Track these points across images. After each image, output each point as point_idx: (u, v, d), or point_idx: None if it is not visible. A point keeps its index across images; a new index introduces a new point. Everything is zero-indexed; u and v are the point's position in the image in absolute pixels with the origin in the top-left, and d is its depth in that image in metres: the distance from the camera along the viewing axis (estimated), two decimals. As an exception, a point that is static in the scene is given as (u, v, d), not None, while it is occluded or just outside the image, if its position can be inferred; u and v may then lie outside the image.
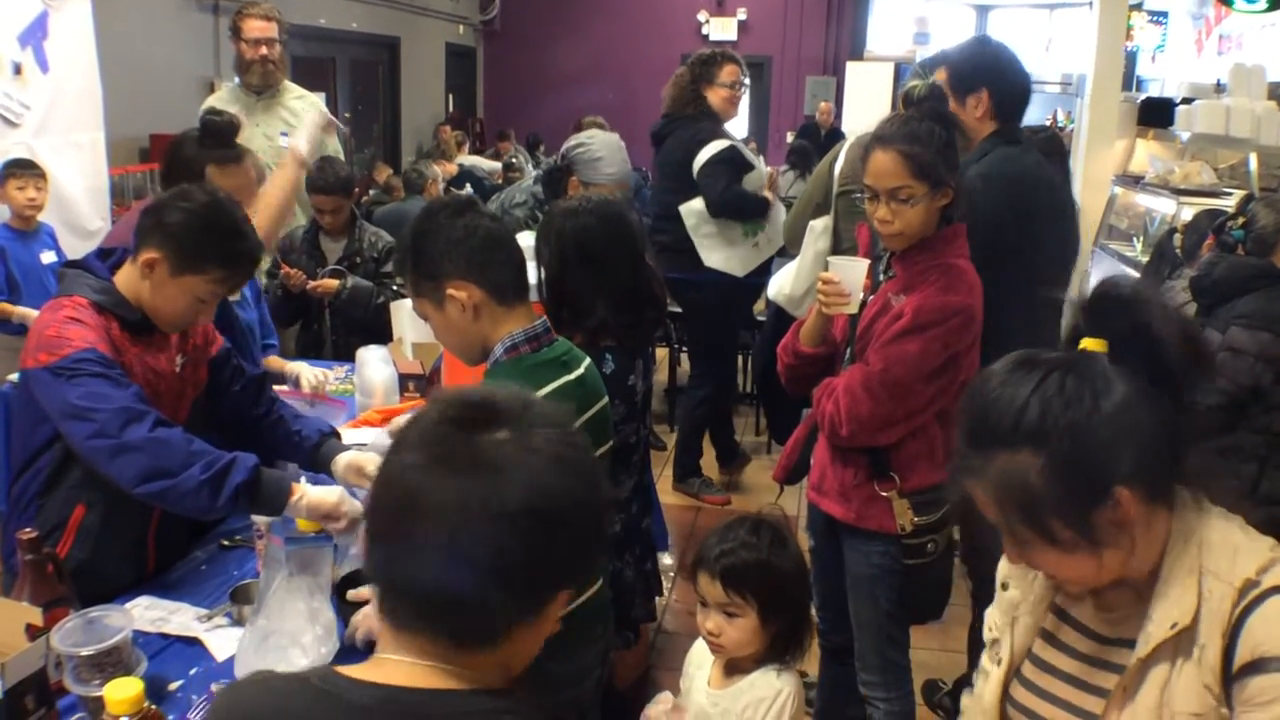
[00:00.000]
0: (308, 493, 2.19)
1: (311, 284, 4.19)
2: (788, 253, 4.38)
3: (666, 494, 5.02)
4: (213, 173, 2.63)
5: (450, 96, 12.71)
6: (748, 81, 4.94)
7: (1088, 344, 1.38)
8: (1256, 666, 1.28)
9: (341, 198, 4.39)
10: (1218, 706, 1.31)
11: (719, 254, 4.82)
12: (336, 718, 1.05)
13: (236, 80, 4.71)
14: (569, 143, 3.79)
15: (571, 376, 2.07)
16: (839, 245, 3.88)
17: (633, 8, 12.92)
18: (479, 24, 13.37)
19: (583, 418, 2.08)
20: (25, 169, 4.68)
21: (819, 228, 3.93)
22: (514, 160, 11.02)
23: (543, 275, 2.60)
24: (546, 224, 2.66)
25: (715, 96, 4.71)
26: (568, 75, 12.97)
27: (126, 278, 2.25)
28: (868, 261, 2.47)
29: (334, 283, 4.23)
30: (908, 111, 2.55)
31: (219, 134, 2.65)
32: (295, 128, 4.58)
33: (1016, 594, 1.60)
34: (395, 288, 4.12)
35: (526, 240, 2.32)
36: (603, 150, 3.71)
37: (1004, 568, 1.63)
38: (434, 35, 12.05)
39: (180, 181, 2.53)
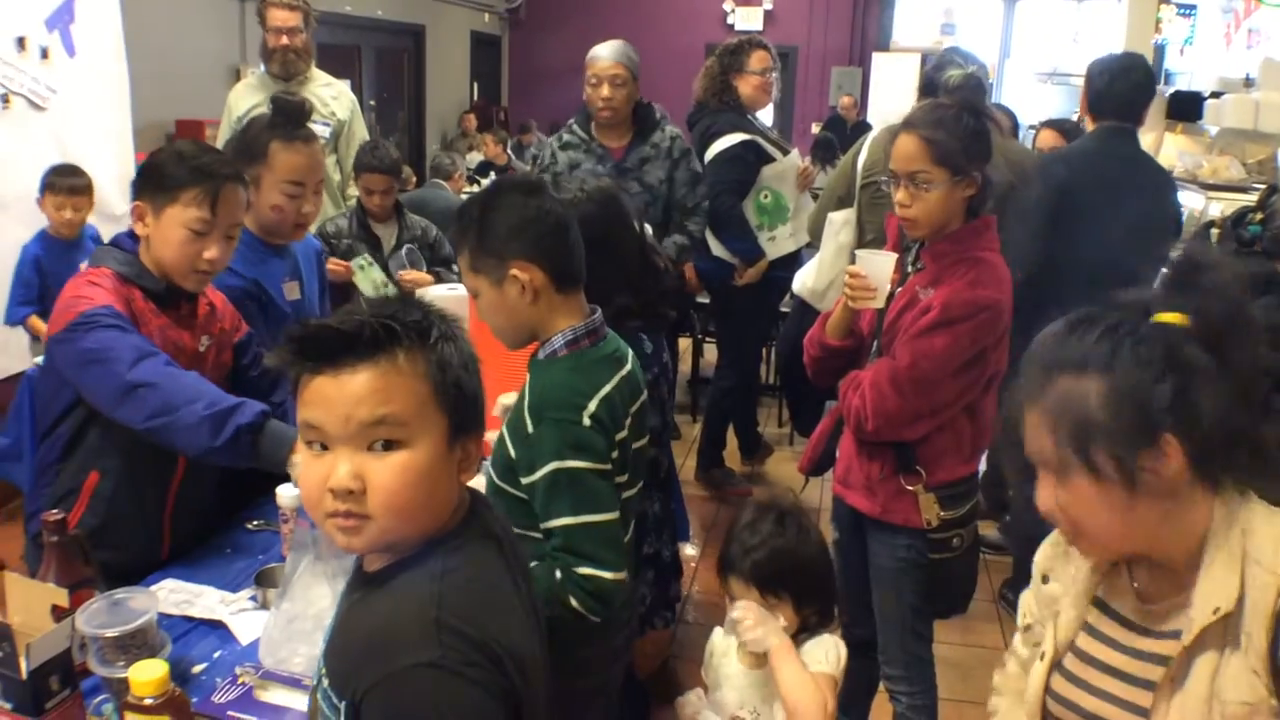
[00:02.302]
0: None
1: (407, 277, 4.15)
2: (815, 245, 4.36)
3: (688, 485, 5.01)
4: (277, 149, 2.62)
5: (475, 84, 12.71)
6: (779, 68, 4.89)
7: (1164, 317, 1.38)
8: None
9: (393, 178, 4.39)
10: (1269, 697, 1.31)
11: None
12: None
13: (263, 68, 4.72)
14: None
15: (624, 372, 2.06)
16: (863, 237, 3.86)
17: (658, -3, 12.92)
18: (504, 12, 13.36)
19: (632, 410, 2.08)
20: (67, 181, 4.49)
21: (839, 220, 3.91)
22: (538, 156, 11.02)
23: None
24: None
25: (746, 85, 4.66)
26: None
27: (145, 249, 2.29)
28: (895, 255, 2.45)
29: (428, 277, 4.20)
30: (940, 99, 2.54)
31: (289, 113, 2.64)
32: (324, 116, 4.60)
33: (1057, 588, 1.59)
34: (458, 276, 4.09)
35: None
36: None
37: (1044, 560, 1.64)
38: (459, 23, 12.05)
39: (243, 160, 2.56)
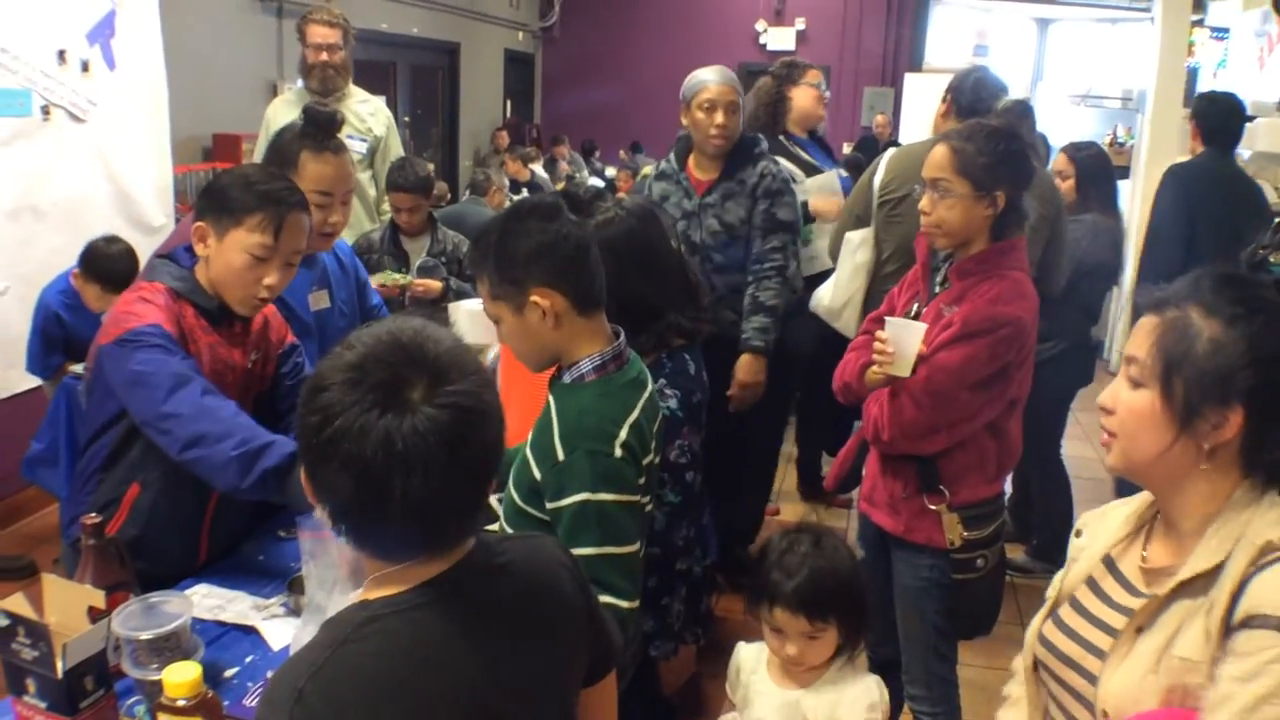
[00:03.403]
0: None
1: (418, 284, 4.21)
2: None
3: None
4: (306, 159, 2.63)
5: (508, 102, 12.79)
6: (828, 93, 4.90)
7: None
8: (1245, 623, 1.35)
9: (420, 196, 4.44)
10: (1210, 659, 1.38)
11: None
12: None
13: (301, 83, 4.78)
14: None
15: (647, 394, 2.07)
16: (880, 256, 3.87)
17: (691, 17, 12.92)
18: (538, 31, 13.44)
19: (654, 430, 2.09)
20: (108, 272, 4.08)
21: (856, 240, 3.91)
22: (574, 175, 11.08)
23: None
24: None
25: (803, 97, 4.65)
26: (625, 82, 13.00)
27: (203, 267, 2.31)
28: (924, 326, 2.45)
29: (438, 284, 4.25)
30: (984, 120, 2.59)
31: (320, 123, 2.66)
32: (360, 132, 4.65)
33: (1084, 540, 1.70)
34: None
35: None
36: None
37: (1086, 516, 1.74)
38: (493, 41, 12.12)
39: (277, 167, 2.59)
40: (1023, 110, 3.81)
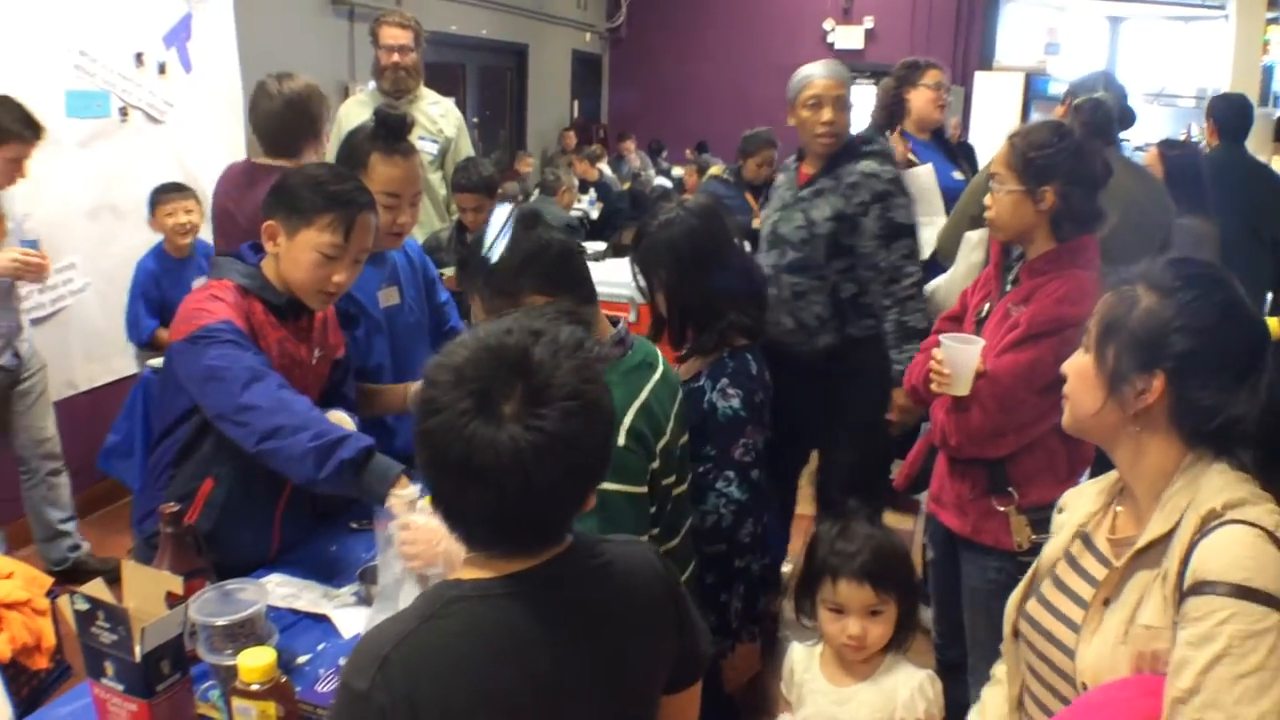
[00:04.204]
0: (413, 494, 2.07)
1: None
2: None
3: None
4: (376, 160, 2.66)
5: (575, 103, 12.83)
6: (950, 91, 4.82)
7: (1273, 323, 1.51)
8: (1194, 589, 1.40)
9: (484, 196, 4.48)
10: (1171, 623, 1.43)
11: None
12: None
13: (373, 84, 4.83)
14: None
15: (657, 376, 2.09)
16: (986, 259, 3.82)
17: (758, 16, 12.86)
18: (605, 32, 13.46)
19: (673, 411, 2.10)
20: (171, 193, 4.63)
21: (974, 239, 3.83)
22: (641, 173, 11.10)
23: (659, 294, 2.61)
24: (649, 242, 2.64)
25: (919, 99, 4.55)
26: (691, 82, 12.99)
27: (269, 263, 2.35)
28: (981, 344, 2.44)
29: None
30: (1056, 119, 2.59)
31: (391, 125, 2.69)
32: (431, 134, 4.70)
33: (1065, 516, 1.78)
34: None
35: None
36: None
37: (1067, 494, 1.83)
38: (561, 42, 12.16)
39: (348, 168, 2.62)
40: (1097, 109, 3.75)
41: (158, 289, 4.62)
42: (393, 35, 4.62)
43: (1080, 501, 1.76)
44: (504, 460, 1.21)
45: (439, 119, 4.83)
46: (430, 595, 1.33)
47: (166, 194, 4.58)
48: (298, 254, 2.29)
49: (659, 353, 2.16)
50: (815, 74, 3.55)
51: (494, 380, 1.25)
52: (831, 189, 3.52)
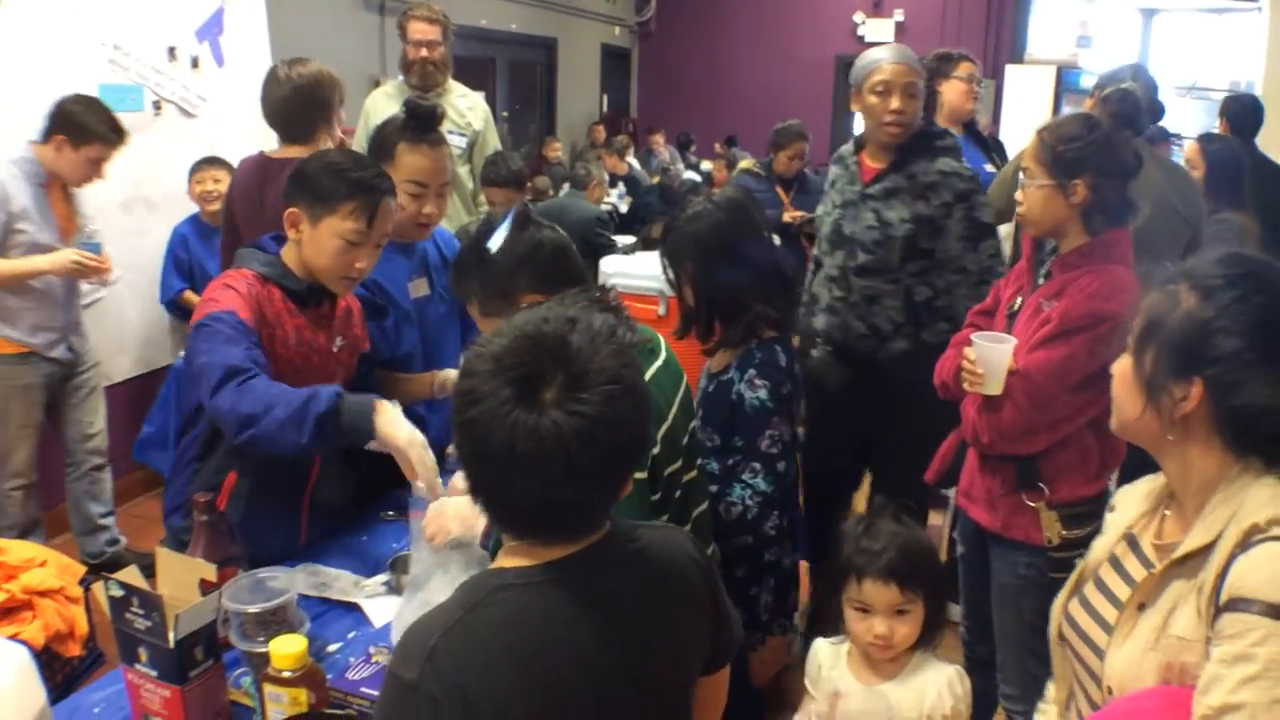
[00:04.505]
0: (393, 420, 2.13)
1: None
2: None
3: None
4: (403, 150, 2.67)
5: (604, 96, 12.83)
6: (983, 84, 4.78)
7: None
8: (1230, 605, 1.35)
9: (513, 190, 4.49)
10: (1203, 638, 1.39)
11: None
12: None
13: (401, 78, 4.85)
14: None
15: (659, 363, 2.09)
16: (1018, 252, 3.80)
17: (788, 9, 12.81)
18: (634, 25, 13.45)
19: (676, 399, 2.11)
20: (205, 164, 4.90)
21: (1000, 234, 3.82)
22: (670, 167, 11.09)
23: (687, 287, 2.61)
24: (677, 236, 2.64)
25: (951, 91, 4.55)
26: (722, 76, 12.97)
27: (290, 250, 2.37)
28: (1013, 343, 2.42)
29: None
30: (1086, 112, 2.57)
31: (420, 116, 2.70)
32: (459, 127, 4.71)
33: (1115, 517, 1.72)
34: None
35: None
36: None
37: (1120, 493, 1.76)
38: (591, 36, 12.17)
39: (375, 158, 2.64)
40: (1124, 100, 3.72)
41: (186, 251, 4.89)
42: (421, 30, 4.62)
43: (1131, 501, 1.70)
44: (548, 446, 1.22)
45: (466, 112, 4.83)
46: (473, 585, 1.34)
47: (201, 165, 4.93)
48: (321, 240, 2.30)
49: (662, 340, 2.17)
50: (884, 58, 3.30)
51: (534, 367, 1.25)
52: (906, 189, 3.32)
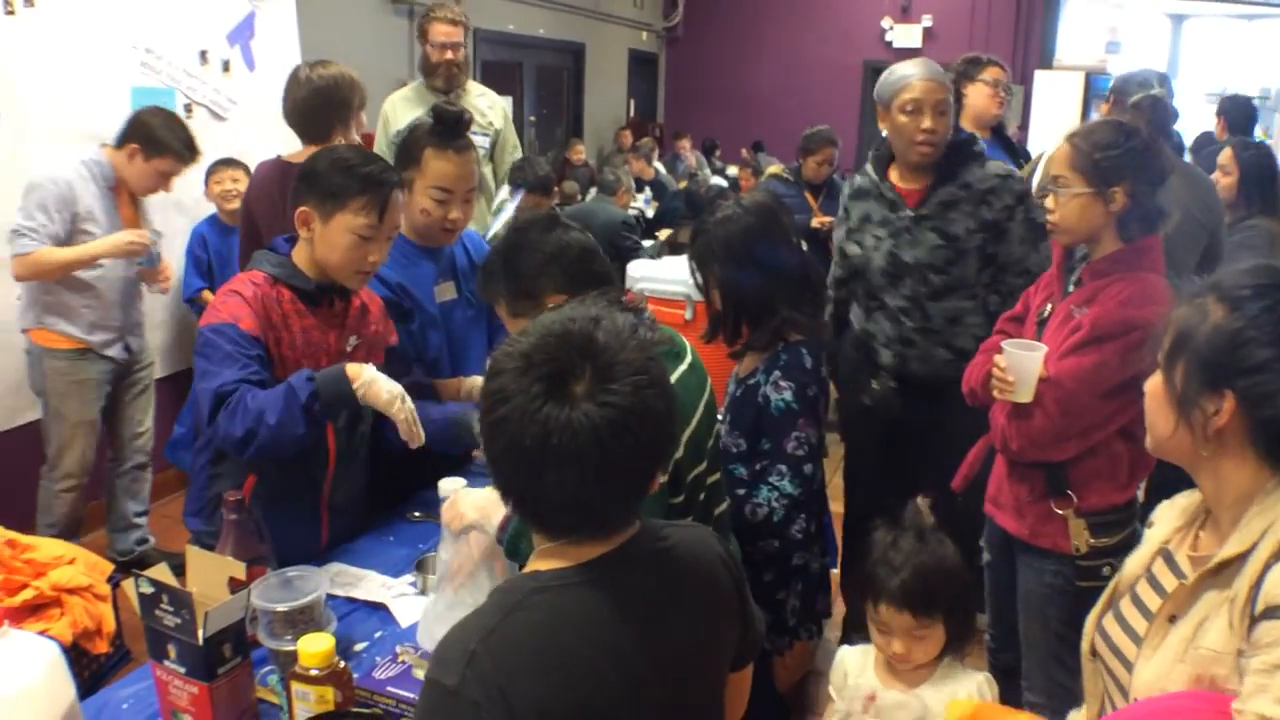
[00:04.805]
0: (373, 380, 2.24)
1: None
2: None
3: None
4: (430, 155, 2.69)
5: (631, 102, 12.85)
6: (1010, 88, 4.75)
7: None
8: (1267, 614, 1.34)
9: (540, 195, 4.50)
10: (1235, 650, 1.38)
11: None
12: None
13: (419, 80, 4.83)
14: None
15: (685, 366, 2.09)
16: None
17: (815, 14, 12.81)
18: (662, 30, 13.47)
19: (701, 402, 2.11)
20: (221, 165, 4.95)
21: None
22: (698, 173, 11.09)
23: (715, 291, 2.61)
24: (706, 240, 2.63)
25: (978, 95, 4.53)
26: (748, 81, 12.97)
27: (300, 250, 2.39)
28: (1044, 350, 2.41)
29: None
30: (1114, 117, 2.53)
31: (447, 122, 2.71)
32: (481, 127, 4.72)
33: (1153, 532, 1.70)
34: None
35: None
36: None
37: (1158, 509, 1.73)
38: (618, 41, 12.19)
39: (402, 162, 2.67)
40: (1156, 105, 3.71)
41: (205, 250, 4.94)
42: (445, 32, 4.60)
43: (1168, 517, 1.69)
44: (582, 440, 1.23)
45: (487, 111, 4.82)
46: (509, 588, 1.34)
47: (218, 166, 4.94)
48: (333, 237, 2.32)
49: (687, 343, 2.17)
50: (913, 75, 3.19)
51: (563, 363, 1.27)
52: (964, 198, 3.22)
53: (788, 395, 2.49)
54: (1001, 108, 4.63)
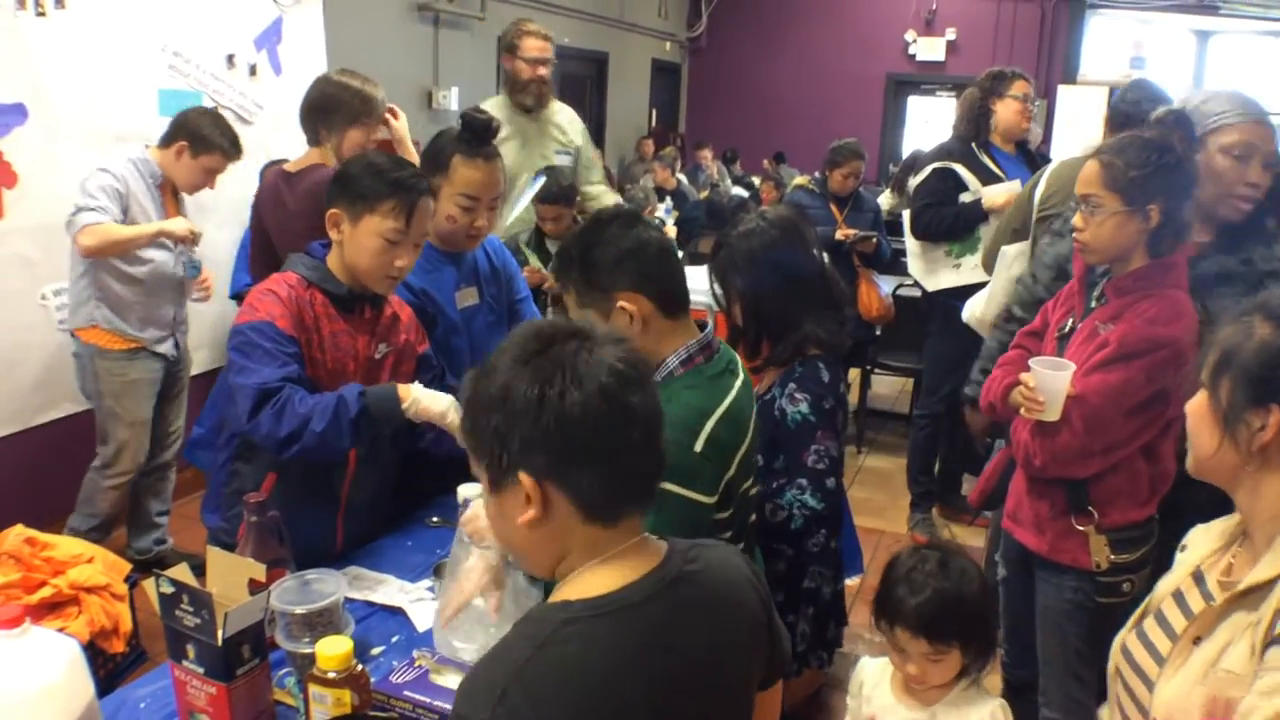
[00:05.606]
0: (419, 399, 2.32)
1: (526, 272, 4.30)
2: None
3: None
4: (457, 162, 2.69)
5: (653, 111, 12.86)
6: (1037, 102, 4.79)
7: None
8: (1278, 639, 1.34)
9: (563, 207, 4.52)
10: (1252, 673, 1.37)
11: (918, 270, 4.89)
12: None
13: (501, 95, 4.79)
14: None
15: (740, 382, 2.09)
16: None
17: (839, 26, 12.81)
18: (685, 41, 13.49)
19: (752, 419, 2.11)
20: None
21: (1012, 254, 3.81)
22: (719, 183, 11.10)
23: (736, 304, 2.61)
24: (728, 252, 2.64)
25: (1005, 110, 4.58)
26: (770, 92, 12.97)
27: (333, 255, 2.42)
28: (1072, 368, 2.38)
29: (536, 270, 4.38)
30: (1140, 131, 2.50)
31: (476, 129, 2.72)
32: (563, 145, 4.72)
33: (1185, 555, 1.70)
34: None
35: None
36: None
37: (1192, 533, 1.73)
38: (641, 51, 12.20)
39: (429, 168, 2.68)
40: (1176, 120, 3.68)
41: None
42: (538, 48, 4.56)
43: (1203, 540, 1.68)
44: (608, 376, 1.27)
45: (567, 127, 4.81)
46: (539, 619, 1.31)
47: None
48: (362, 240, 2.35)
49: (739, 359, 2.16)
50: (1244, 116, 2.60)
51: (552, 339, 1.31)
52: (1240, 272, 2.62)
53: (804, 407, 2.48)
54: (1029, 122, 4.65)
